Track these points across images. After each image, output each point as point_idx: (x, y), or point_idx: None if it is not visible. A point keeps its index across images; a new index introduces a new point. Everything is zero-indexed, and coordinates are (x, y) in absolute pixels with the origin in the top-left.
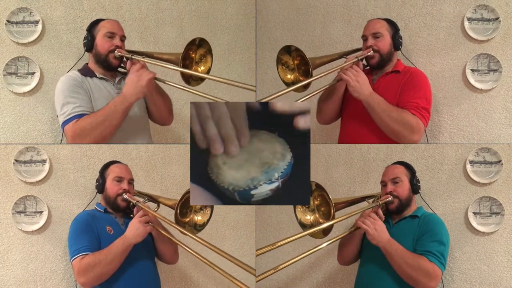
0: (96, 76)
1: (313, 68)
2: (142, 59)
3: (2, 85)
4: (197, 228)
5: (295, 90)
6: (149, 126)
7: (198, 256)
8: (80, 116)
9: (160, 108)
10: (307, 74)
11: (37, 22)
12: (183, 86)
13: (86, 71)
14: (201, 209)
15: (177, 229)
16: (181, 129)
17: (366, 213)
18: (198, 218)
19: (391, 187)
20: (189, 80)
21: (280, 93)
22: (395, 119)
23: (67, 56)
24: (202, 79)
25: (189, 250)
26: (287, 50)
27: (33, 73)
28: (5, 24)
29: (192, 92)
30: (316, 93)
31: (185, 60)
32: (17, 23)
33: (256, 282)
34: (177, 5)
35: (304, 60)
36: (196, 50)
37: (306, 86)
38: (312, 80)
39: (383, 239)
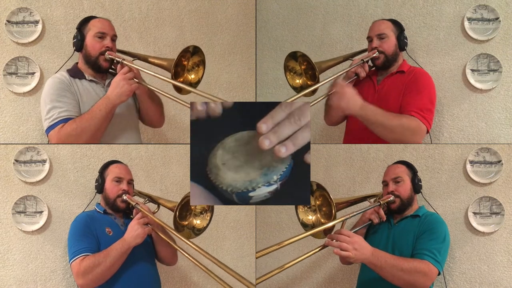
0: (85, 78)
1: (319, 72)
2: (134, 66)
3: (2, 85)
4: (195, 232)
5: (304, 95)
6: (138, 124)
7: (195, 262)
8: (65, 120)
9: (150, 110)
10: (315, 78)
11: (37, 22)
12: (173, 96)
13: (75, 72)
14: (201, 213)
15: (174, 234)
16: (180, 131)
17: (336, 233)
18: (197, 222)
19: (393, 187)
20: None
21: (289, 100)
22: (395, 126)
23: (67, 56)
24: (192, 86)
25: (186, 254)
26: (293, 56)
27: (33, 73)
28: (5, 24)
29: (180, 103)
30: (324, 98)
31: (177, 67)
32: (17, 23)
33: (255, 285)
34: (177, 5)
35: (310, 64)
36: (190, 58)
37: (314, 91)
38: (319, 86)
39: (366, 253)
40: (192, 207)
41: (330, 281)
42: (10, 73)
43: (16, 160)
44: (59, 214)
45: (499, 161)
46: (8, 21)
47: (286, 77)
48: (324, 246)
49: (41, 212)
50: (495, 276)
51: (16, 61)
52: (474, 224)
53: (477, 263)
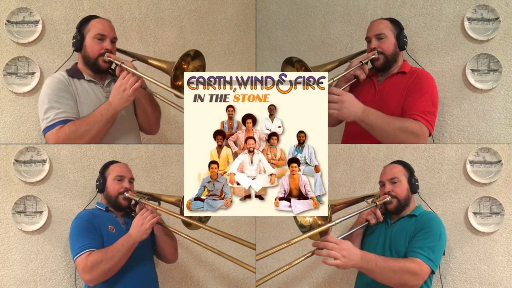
0: (84, 78)
1: None
2: (136, 72)
3: (2, 85)
4: (202, 220)
5: None
6: (138, 126)
7: (204, 245)
8: (63, 122)
9: (148, 116)
10: None
11: (37, 22)
12: (171, 102)
13: (74, 72)
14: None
15: (186, 220)
16: (180, 131)
17: (323, 240)
18: None
19: (389, 187)
20: (181, 90)
21: None
22: (397, 129)
23: (67, 56)
24: None
25: (194, 240)
26: (289, 61)
27: (33, 73)
28: (5, 24)
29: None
30: None
31: (177, 70)
32: (17, 23)
33: (256, 286)
34: (177, 5)
35: (308, 70)
36: (190, 62)
37: None
38: None
39: (356, 259)
40: None
41: (330, 281)
42: (10, 73)
43: (16, 160)
44: (59, 214)
45: (499, 161)
46: (8, 21)
47: None
48: (312, 253)
49: (41, 212)
50: (495, 276)
51: (16, 61)
52: (474, 224)
53: (477, 263)
